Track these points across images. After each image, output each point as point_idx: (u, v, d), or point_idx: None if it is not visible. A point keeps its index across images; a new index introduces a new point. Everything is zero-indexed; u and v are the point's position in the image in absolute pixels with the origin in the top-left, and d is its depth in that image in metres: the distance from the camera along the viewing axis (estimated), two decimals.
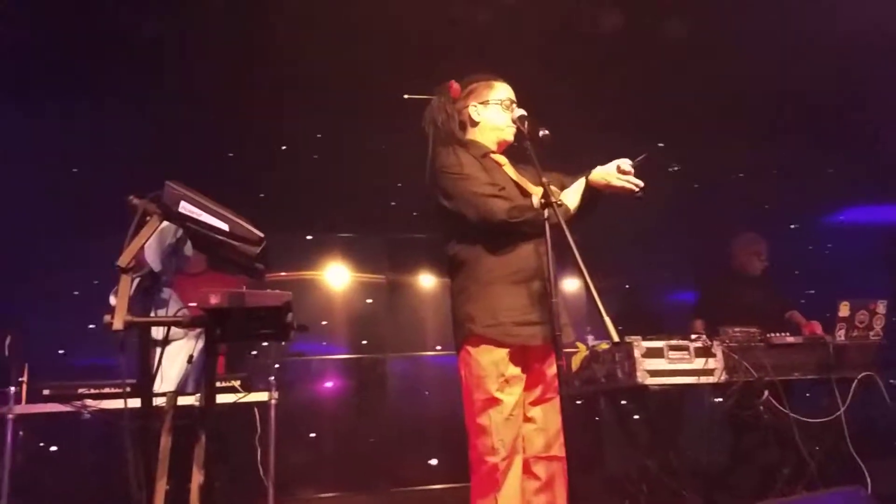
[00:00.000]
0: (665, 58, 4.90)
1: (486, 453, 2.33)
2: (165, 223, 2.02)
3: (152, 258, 2.11)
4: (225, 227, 1.97)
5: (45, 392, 3.15)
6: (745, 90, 5.16)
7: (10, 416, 3.07)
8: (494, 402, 2.34)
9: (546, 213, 2.05)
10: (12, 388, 3.10)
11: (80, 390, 3.15)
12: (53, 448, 3.87)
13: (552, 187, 2.21)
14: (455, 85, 2.66)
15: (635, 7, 4.53)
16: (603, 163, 2.47)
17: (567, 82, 4.79)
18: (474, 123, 2.65)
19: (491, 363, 2.36)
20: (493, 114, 2.62)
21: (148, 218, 1.96)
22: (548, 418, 2.43)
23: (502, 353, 2.36)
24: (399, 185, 5.55)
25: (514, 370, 2.38)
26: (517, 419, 2.39)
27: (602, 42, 4.79)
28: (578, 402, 4.21)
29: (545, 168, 2.34)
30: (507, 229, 2.38)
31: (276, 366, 4.91)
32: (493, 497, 2.29)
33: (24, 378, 3.14)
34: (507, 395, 2.36)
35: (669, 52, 4.83)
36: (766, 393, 3.60)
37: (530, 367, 2.45)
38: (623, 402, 4.04)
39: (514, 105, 2.61)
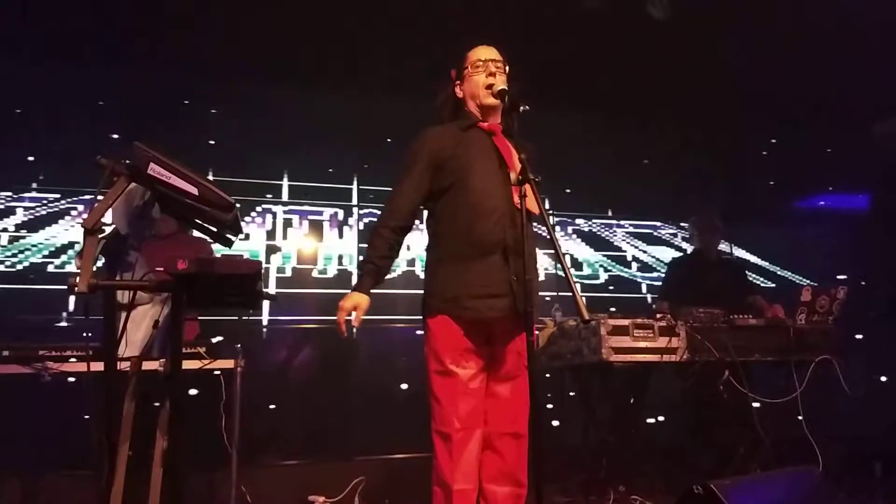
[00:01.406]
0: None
1: (441, 424, 2.36)
2: (134, 184, 1.97)
3: (119, 220, 2.06)
4: (194, 191, 1.93)
5: (5, 353, 3.08)
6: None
7: None
8: (449, 374, 2.36)
9: (522, 189, 2.02)
10: None
11: (42, 352, 3.08)
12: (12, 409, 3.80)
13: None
14: (453, 70, 2.65)
15: None
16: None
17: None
18: (460, 99, 2.62)
19: (447, 336, 2.38)
20: (468, 82, 2.58)
21: (115, 179, 1.91)
22: (512, 395, 2.43)
23: (458, 326, 2.38)
24: None
25: (471, 344, 2.39)
26: (476, 392, 2.39)
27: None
28: (547, 377, 4.25)
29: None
30: None
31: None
32: (447, 468, 2.32)
33: None
34: (463, 369, 2.37)
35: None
36: (727, 373, 3.67)
37: (494, 342, 2.44)
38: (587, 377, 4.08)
39: (494, 63, 2.54)
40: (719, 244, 4.72)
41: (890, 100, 5.53)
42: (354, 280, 2.58)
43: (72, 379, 3.08)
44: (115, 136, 4.76)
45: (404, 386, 5.26)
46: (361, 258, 2.50)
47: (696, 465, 3.98)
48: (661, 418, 4.38)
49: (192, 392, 3.30)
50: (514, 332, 2.42)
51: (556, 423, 4.60)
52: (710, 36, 4.85)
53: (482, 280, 2.35)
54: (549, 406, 4.62)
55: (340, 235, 6.20)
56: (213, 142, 5.51)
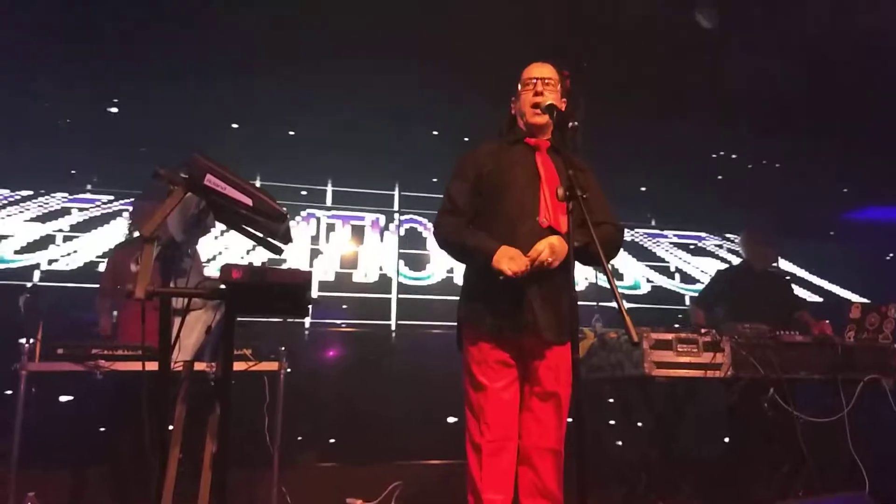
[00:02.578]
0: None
1: (474, 435, 2.40)
2: (189, 193, 2.03)
3: (175, 228, 2.12)
4: (248, 201, 1.97)
5: (59, 351, 3.18)
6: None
7: (24, 372, 3.11)
8: (481, 387, 2.40)
9: (570, 205, 2.02)
10: (26, 345, 3.13)
11: (94, 351, 3.18)
12: (66, 405, 3.93)
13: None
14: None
15: None
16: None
17: None
18: (514, 116, 2.66)
19: (478, 350, 2.42)
20: (520, 99, 2.60)
21: (172, 188, 1.96)
22: (547, 411, 2.42)
23: (489, 341, 2.40)
24: None
25: (500, 357, 2.40)
26: (508, 406, 2.40)
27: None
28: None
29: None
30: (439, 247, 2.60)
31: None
32: (479, 478, 2.34)
33: (39, 336, 3.17)
34: (494, 382, 2.39)
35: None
36: (772, 390, 3.60)
37: (526, 358, 2.45)
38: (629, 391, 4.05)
39: (543, 81, 2.54)
40: (774, 260, 4.63)
41: None
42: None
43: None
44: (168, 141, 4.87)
45: (444, 392, 5.28)
46: (456, 252, 2.55)
47: (738, 484, 3.91)
48: (703, 434, 4.31)
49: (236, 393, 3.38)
50: (546, 349, 2.42)
51: (595, 435, 4.57)
52: (765, 40, 4.77)
53: (503, 297, 2.37)
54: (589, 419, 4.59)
55: (381, 240, 6.26)
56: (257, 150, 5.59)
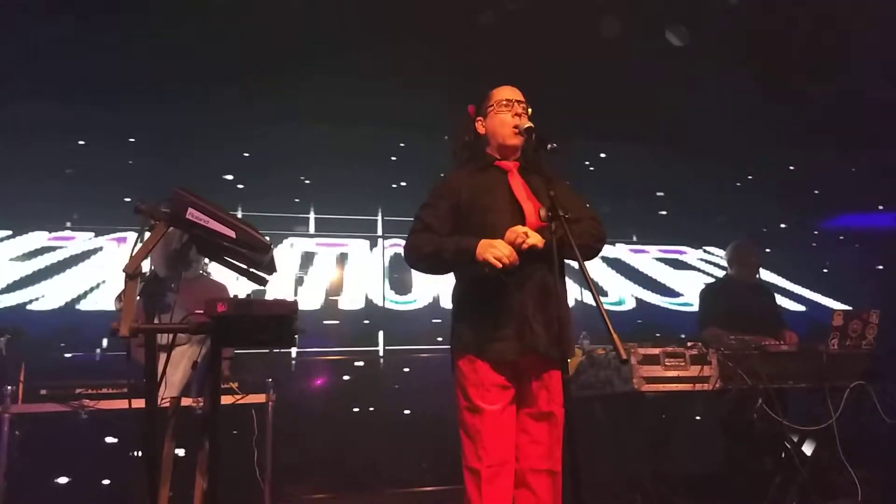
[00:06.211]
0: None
1: (470, 460, 2.35)
2: (171, 228, 2.02)
3: (158, 263, 2.11)
4: (232, 234, 1.97)
5: (42, 392, 3.14)
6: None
7: (7, 415, 3.06)
8: (477, 410, 2.35)
9: (553, 226, 2.04)
10: (9, 388, 3.09)
11: (78, 390, 3.14)
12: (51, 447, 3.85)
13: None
14: (472, 107, 2.66)
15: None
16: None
17: None
18: (481, 136, 2.62)
19: (472, 373, 2.38)
20: (492, 120, 2.58)
21: (154, 223, 1.95)
22: (544, 432, 2.40)
23: (483, 364, 2.37)
24: None
25: (498, 380, 2.37)
26: (505, 429, 2.37)
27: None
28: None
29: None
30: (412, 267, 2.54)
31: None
32: (476, 503, 2.30)
33: (22, 377, 3.13)
34: (490, 405, 2.35)
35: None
36: (760, 400, 3.62)
37: (521, 379, 2.43)
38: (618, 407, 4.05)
39: (519, 104, 2.55)
40: (757, 273, 4.67)
41: None
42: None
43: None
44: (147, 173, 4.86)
45: (433, 417, 5.25)
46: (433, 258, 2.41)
47: (732, 496, 3.91)
48: (694, 447, 4.31)
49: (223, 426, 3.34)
50: (541, 370, 2.41)
51: (588, 454, 4.55)
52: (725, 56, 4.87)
53: (501, 321, 2.36)
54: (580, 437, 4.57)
55: (365, 266, 6.25)
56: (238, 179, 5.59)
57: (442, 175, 2.65)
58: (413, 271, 6.09)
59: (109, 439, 3.33)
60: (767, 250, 6.17)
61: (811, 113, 5.35)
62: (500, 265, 2.19)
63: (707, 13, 4.56)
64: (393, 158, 6.12)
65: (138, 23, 4.44)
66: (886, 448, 4.05)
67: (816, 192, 6.18)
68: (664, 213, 6.49)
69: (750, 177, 6.39)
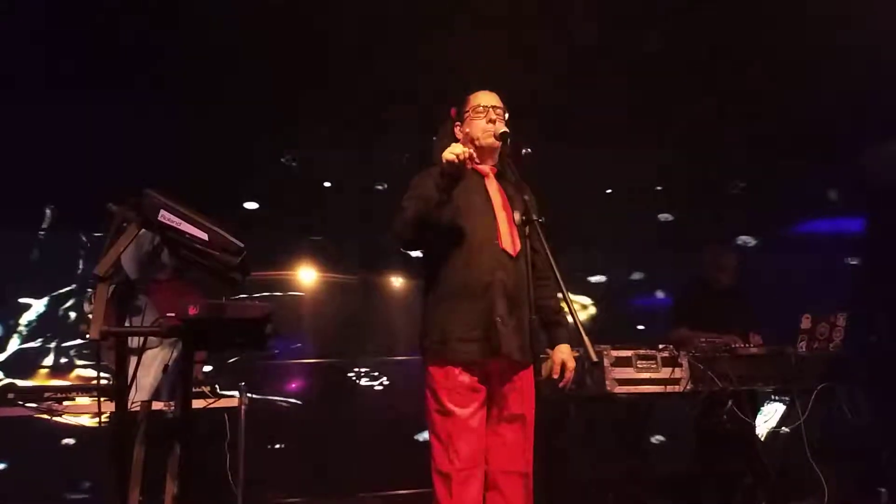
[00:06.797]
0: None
1: (441, 464, 2.35)
2: (143, 230, 2.00)
3: (129, 266, 2.09)
4: (204, 236, 1.95)
5: (10, 395, 3.08)
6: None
7: None
8: (447, 413, 2.36)
9: (527, 229, 2.06)
10: None
11: (46, 394, 3.08)
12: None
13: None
14: (454, 109, 2.68)
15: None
16: None
17: None
18: (458, 141, 2.60)
19: (443, 376, 2.39)
20: (470, 125, 2.61)
21: (125, 225, 1.93)
22: (516, 434, 2.42)
23: (454, 366, 2.38)
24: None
25: (468, 383, 2.38)
26: (475, 431, 2.38)
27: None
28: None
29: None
30: (400, 245, 2.50)
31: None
32: None
33: None
34: (461, 408, 2.36)
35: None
36: (731, 402, 3.67)
37: (492, 381, 2.44)
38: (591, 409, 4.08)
39: (495, 110, 2.56)
40: (735, 276, 4.68)
41: (881, 125, 5.56)
42: None
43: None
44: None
45: (406, 422, 5.24)
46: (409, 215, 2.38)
47: (702, 497, 3.97)
48: (666, 448, 4.36)
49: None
50: (511, 372, 2.42)
51: (559, 456, 4.58)
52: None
53: (470, 322, 2.37)
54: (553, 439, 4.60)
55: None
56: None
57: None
58: None
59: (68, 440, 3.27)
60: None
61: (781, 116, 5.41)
62: (457, 160, 2.19)
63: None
64: None
65: None
66: (853, 448, 4.13)
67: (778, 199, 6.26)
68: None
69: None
